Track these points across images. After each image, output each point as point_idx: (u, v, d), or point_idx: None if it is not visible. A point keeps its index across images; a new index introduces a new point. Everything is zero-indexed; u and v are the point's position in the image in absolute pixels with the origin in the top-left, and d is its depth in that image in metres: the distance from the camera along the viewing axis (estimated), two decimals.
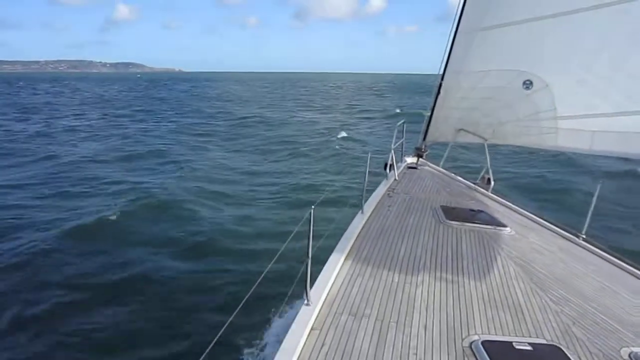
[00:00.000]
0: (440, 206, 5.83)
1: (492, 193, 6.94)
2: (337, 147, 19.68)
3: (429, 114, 7.59)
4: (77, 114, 34.61)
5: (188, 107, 43.37)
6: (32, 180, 14.13)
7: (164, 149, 19.77)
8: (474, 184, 7.19)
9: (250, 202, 11.33)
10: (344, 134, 23.85)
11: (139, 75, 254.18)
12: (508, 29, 6.28)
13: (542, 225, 6.07)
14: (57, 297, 7.06)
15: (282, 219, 9.66)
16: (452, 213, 5.55)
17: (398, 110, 37.63)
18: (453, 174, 7.63)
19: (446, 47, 6.94)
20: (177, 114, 37.34)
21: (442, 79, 7.16)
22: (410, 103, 42.32)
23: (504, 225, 5.37)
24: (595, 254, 5.33)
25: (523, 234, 5.40)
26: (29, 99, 51.95)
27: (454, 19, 6.74)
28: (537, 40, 6.20)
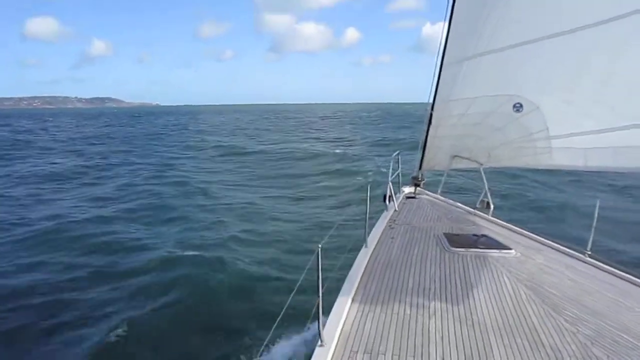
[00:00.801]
0: (443, 234, 5.88)
1: (492, 217, 7.03)
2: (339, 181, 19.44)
3: (422, 143, 7.77)
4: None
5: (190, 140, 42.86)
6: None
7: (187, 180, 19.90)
8: (474, 209, 7.28)
9: (255, 241, 11.11)
10: (339, 165, 23.31)
11: (115, 110, 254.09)
12: (493, 55, 6.50)
13: (546, 245, 6.14)
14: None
15: (288, 259, 9.50)
16: (455, 240, 5.60)
17: (402, 136, 37.02)
18: (452, 201, 7.74)
19: (433, 77, 7.17)
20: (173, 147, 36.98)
21: (432, 108, 7.35)
22: (409, 132, 41.92)
23: (509, 248, 5.43)
24: (604, 270, 5.38)
25: (529, 255, 5.45)
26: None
27: (438, 50, 6.98)
28: (523, 65, 6.42)
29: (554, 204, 14.35)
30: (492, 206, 7.15)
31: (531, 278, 4.66)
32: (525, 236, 6.44)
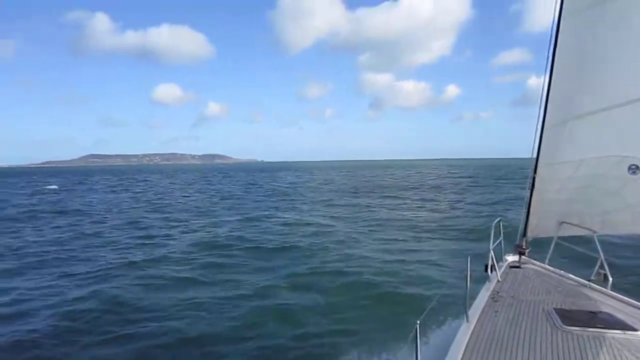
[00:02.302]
0: (554, 309, 5.40)
1: (611, 290, 6.33)
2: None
3: (526, 208, 7.44)
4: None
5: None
6: None
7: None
8: (589, 281, 6.62)
9: (345, 310, 10.66)
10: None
11: (221, 167, 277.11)
12: (601, 114, 6.24)
13: None
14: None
15: (381, 336, 9.22)
16: (569, 317, 5.11)
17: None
18: (562, 271, 7.12)
19: (534, 138, 6.95)
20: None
21: (535, 171, 7.09)
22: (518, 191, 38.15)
23: (634, 329, 4.82)
24: None
25: None
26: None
27: (539, 109, 6.80)
28: (638, 123, 6.03)
29: None
30: (610, 279, 6.42)
31: None
32: None
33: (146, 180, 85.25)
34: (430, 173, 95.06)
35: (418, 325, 3.04)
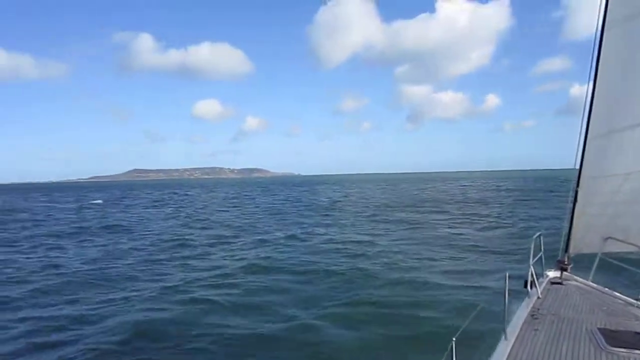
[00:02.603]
0: (598, 329, 5.13)
1: None
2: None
3: (568, 222, 7.22)
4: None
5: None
6: None
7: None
8: (636, 299, 6.26)
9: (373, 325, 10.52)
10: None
11: (259, 180, 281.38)
12: None
13: None
14: None
15: (417, 353, 8.88)
16: (614, 337, 4.83)
17: None
18: (607, 289, 6.75)
19: (577, 151, 6.75)
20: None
21: (578, 184, 6.88)
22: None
23: None
24: None
25: None
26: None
27: (582, 121, 6.64)
28: None
29: None
30: None
31: None
32: None
33: (187, 195, 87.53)
34: (471, 186, 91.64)
35: (454, 343, 3.04)
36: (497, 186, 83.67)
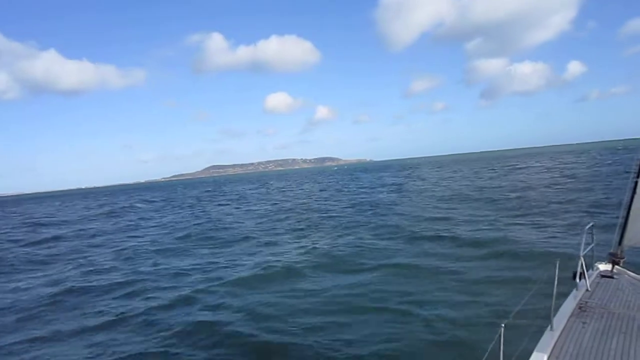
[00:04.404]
0: None
1: None
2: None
3: (624, 213, 6.96)
4: None
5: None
6: None
7: None
8: None
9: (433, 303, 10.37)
10: None
11: (335, 168, 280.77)
12: None
13: None
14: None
15: (466, 336, 8.56)
16: None
17: None
18: None
19: None
20: None
21: (639, 175, 6.66)
22: None
23: None
24: None
25: None
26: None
27: None
28: None
29: None
30: None
31: None
32: None
33: (284, 188, 71.61)
34: (562, 163, 72.86)
35: (502, 328, 3.11)
36: (605, 160, 67.54)
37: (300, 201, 42.98)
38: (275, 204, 41.95)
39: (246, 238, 22.45)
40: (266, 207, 39.32)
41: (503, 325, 3.29)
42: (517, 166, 74.13)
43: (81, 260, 20.14)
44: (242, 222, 29.39)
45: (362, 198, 40.16)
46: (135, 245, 22.79)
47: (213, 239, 23.28)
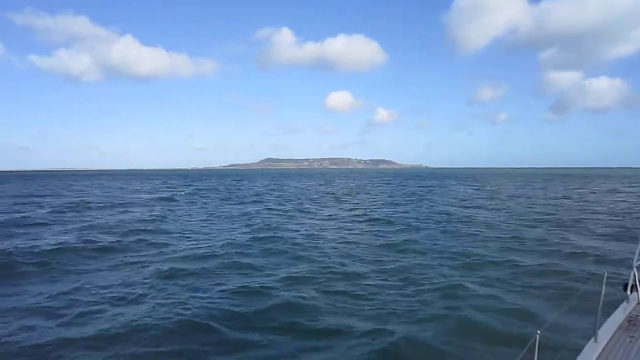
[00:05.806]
0: None
1: None
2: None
3: None
4: None
5: None
6: None
7: None
8: None
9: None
10: None
11: (389, 171, 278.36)
12: None
13: None
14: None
15: (498, 339, 8.03)
16: None
17: None
18: None
19: None
20: None
21: None
22: None
23: None
24: None
25: None
26: None
27: None
28: None
29: None
30: None
31: None
32: None
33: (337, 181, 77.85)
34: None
35: (538, 335, 3.04)
36: None
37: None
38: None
39: None
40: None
41: (538, 332, 3.22)
42: (607, 187, 61.07)
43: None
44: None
45: None
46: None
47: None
